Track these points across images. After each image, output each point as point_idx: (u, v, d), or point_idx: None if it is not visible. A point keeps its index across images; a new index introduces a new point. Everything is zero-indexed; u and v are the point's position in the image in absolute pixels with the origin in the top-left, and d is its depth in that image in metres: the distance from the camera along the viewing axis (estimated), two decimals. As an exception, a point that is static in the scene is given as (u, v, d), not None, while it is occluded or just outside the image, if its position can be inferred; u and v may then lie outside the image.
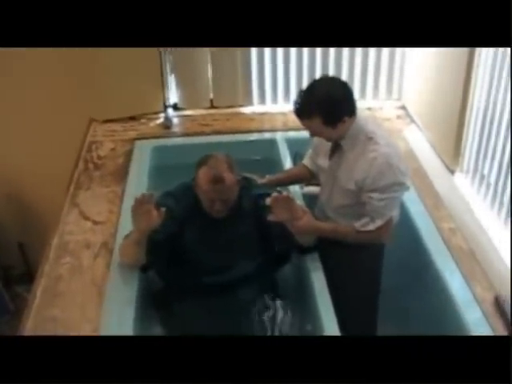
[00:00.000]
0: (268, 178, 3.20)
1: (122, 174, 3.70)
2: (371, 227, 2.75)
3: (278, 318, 2.82)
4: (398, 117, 4.35)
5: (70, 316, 2.63)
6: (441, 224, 3.21)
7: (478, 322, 2.63)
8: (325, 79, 2.80)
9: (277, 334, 2.75)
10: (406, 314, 3.29)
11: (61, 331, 2.54)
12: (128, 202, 3.31)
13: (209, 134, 4.16)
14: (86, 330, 2.54)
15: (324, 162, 2.92)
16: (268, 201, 2.62)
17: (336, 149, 2.83)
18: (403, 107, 4.44)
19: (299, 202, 3.10)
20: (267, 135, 4.15)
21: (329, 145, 2.86)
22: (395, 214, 2.82)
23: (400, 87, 4.47)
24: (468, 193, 3.45)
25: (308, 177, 3.22)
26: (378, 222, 2.74)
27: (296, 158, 3.85)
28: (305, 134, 3.97)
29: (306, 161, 3.18)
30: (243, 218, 2.88)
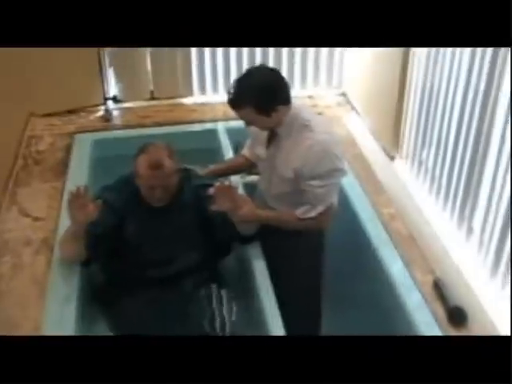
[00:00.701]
0: (209, 168, 3.20)
1: (61, 169, 3.66)
2: (312, 214, 2.77)
3: (222, 309, 2.79)
4: (339, 104, 4.40)
5: (11, 315, 2.59)
6: (380, 209, 3.26)
7: (418, 306, 2.68)
8: (256, 68, 2.81)
9: (220, 325, 2.73)
10: (348, 300, 3.32)
11: (1, 330, 2.50)
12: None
13: (150, 126, 4.14)
14: (26, 329, 2.51)
15: (262, 150, 2.93)
16: (211, 191, 2.63)
17: (273, 137, 2.84)
18: (343, 94, 4.48)
19: (240, 191, 3.12)
20: (208, 125, 4.14)
21: (266, 134, 2.87)
22: (335, 199, 2.85)
23: (340, 75, 4.51)
24: (407, 178, 3.50)
25: (248, 166, 3.24)
26: (319, 209, 2.76)
27: (237, 148, 3.85)
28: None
29: (245, 151, 3.19)
30: (184, 209, 2.87)
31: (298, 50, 4.38)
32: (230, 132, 3.92)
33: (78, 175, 3.55)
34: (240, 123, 3.62)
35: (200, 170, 3.14)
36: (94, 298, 2.90)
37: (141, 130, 4.10)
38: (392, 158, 3.68)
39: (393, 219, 3.19)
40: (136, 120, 4.25)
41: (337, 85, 4.54)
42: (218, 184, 2.65)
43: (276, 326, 2.54)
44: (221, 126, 4.03)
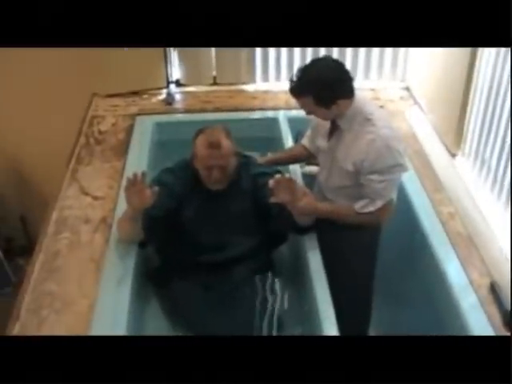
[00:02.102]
0: (267, 157, 3.21)
1: (122, 150, 3.70)
2: (371, 208, 2.75)
3: (274, 298, 2.81)
4: (402, 98, 4.33)
5: (66, 291, 2.65)
6: (439, 207, 3.21)
7: (472, 308, 2.63)
8: (321, 60, 2.79)
9: (270, 313, 2.74)
10: (401, 297, 3.29)
11: (57, 305, 2.56)
12: (128, 178, 3.34)
13: (210, 111, 4.15)
14: (82, 305, 2.55)
15: (323, 142, 2.92)
16: (270, 183, 2.61)
17: (334, 129, 2.82)
18: (407, 88, 4.41)
19: (299, 181, 3.11)
20: (269, 113, 4.12)
21: (328, 125, 2.86)
22: (394, 195, 2.83)
23: (404, 69, 4.44)
24: (468, 177, 3.44)
25: (306, 157, 3.24)
26: (378, 204, 2.75)
27: (298, 136, 3.83)
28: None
29: (304, 141, 3.17)
30: (242, 196, 2.89)
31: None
32: (291, 121, 3.90)
33: (138, 157, 3.59)
34: (301, 113, 3.61)
35: (259, 158, 3.14)
36: (148, 279, 2.93)
37: (202, 114, 4.11)
38: (453, 156, 3.61)
39: (452, 218, 3.14)
40: (197, 104, 4.27)
41: (400, 78, 4.48)
42: (277, 176, 2.63)
43: (329, 318, 2.52)
44: (282, 115, 4.01)
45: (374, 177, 2.69)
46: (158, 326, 2.82)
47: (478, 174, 3.38)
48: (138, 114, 4.11)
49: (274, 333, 2.68)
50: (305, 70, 2.66)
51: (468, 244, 2.99)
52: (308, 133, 3.14)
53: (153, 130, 3.90)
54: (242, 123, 3.99)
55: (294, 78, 2.67)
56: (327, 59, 2.80)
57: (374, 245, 3.05)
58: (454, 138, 3.61)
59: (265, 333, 2.66)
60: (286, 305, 2.83)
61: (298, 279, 2.95)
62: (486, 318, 2.58)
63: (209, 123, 3.81)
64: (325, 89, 2.61)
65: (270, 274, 2.91)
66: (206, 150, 2.73)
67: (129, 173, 3.31)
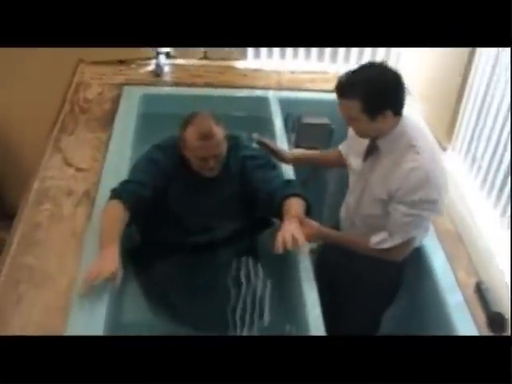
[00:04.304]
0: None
1: (108, 120, 3.60)
2: (387, 245, 2.56)
3: (256, 283, 2.77)
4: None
5: (46, 266, 2.56)
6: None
7: (458, 307, 2.62)
8: (379, 66, 2.44)
9: (251, 298, 2.71)
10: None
11: (36, 280, 2.48)
12: (113, 150, 3.26)
13: (200, 86, 4.06)
14: (61, 282, 2.47)
15: (356, 162, 2.67)
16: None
17: (372, 150, 2.57)
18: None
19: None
20: (259, 92, 4.04)
21: (364, 145, 2.60)
22: (418, 235, 2.63)
23: (397, 56, 4.38)
24: (458, 172, 3.40)
25: (339, 164, 2.95)
26: (397, 240, 2.54)
27: (288, 118, 3.79)
28: (299, 94, 3.94)
29: (342, 147, 2.93)
30: (229, 179, 2.84)
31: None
32: (282, 102, 3.83)
33: (124, 129, 3.50)
34: (293, 94, 3.57)
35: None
36: (128, 258, 2.86)
37: (191, 89, 4.01)
38: (444, 149, 3.58)
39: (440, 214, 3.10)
40: (187, 78, 4.16)
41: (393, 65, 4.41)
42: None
43: (316, 317, 2.44)
44: (272, 95, 3.93)
45: (402, 208, 2.44)
46: (137, 307, 2.78)
47: (468, 170, 3.35)
48: (125, 84, 4.00)
49: (256, 317, 2.65)
50: (359, 71, 2.40)
51: (456, 241, 2.96)
52: (347, 140, 2.88)
53: (140, 102, 3.80)
54: (231, 101, 3.94)
55: (345, 77, 2.39)
56: (384, 65, 2.46)
57: (395, 283, 2.86)
58: (446, 131, 3.57)
59: (246, 317, 2.63)
60: (268, 291, 2.77)
61: (282, 267, 2.88)
62: (471, 317, 2.56)
63: (198, 98, 3.83)
64: (377, 93, 2.33)
65: (252, 259, 2.86)
66: (199, 141, 2.65)
67: (114, 145, 3.27)
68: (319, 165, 3.18)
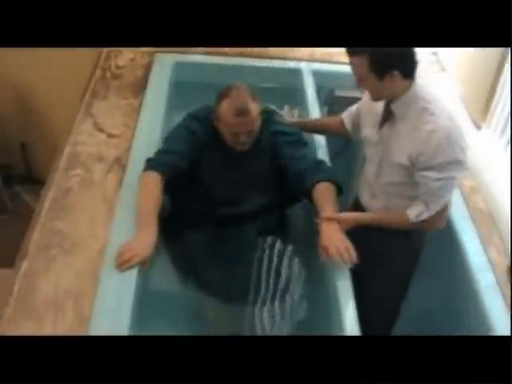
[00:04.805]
0: (297, 119, 3.12)
1: (140, 87, 3.57)
2: (426, 215, 2.51)
3: (281, 261, 2.76)
4: (430, 62, 4.20)
5: (77, 231, 2.56)
6: (462, 180, 3.11)
7: (489, 288, 2.60)
8: None
9: (275, 275, 2.71)
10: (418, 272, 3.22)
11: (67, 246, 2.48)
12: (145, 117, 3.25)
13: (232, 56, 4.00)
14: (92, 248, 2.47)
15: (371, 132, 2.64)
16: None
17: (387, 117, 2.54)
18: (435, 53, 4.28)
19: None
20: (292, 64, 3.97)
21: (378, 113, 2.59)
22: (451, 197, 2.60)
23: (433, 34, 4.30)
24: (493, 152, 3.35)
25: (341, 133, 3.00)
26: (433, 209, 2.50)
27: (320, 91, 3.75)
28: (331, 67, 3.89)
29: (345, 115, 2.94)
30: (260, 154, 2.82)
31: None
32: (315, 74, 3.77)
33: (156, 96, 3.47)
34: (326, 66, 3.51)
35: (288, 116, 3.05)
36: (159, 226, 2.86)
37: (223, 58, 3.96)
38: (479, 128, 3.52)
39: (473, 192, 3.07)
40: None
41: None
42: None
43: (349, 312, 2.38)
44: (305, 67, 3.88)
45: (431, 173, 2.41)
46: (166, 274, 2.79)
47: (502, 149, 3.29)
48: (157, 52, 3.96)
49: (278, 296, 2.65)
50: None
51: (488, 221, 2.93)
52: (351, 110, 2.92)
53: (172, 70, 3.76)
54: (263, 71, 3.89)
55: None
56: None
57: (418, 250, 2.83)
58: (482, 110, 3.50)
59: (268, 295, 2.63)
60: (294, 270, 2.75)
61: (311, 247, 2.85)
62: (502, 299, 2.54)
63: (230, 68, 3.81)
64: (382, 52, 2.32)
65: (280, 235, 2.85)
66: (234, 117, 2.62)
67: (145, 112, 3.25)
68: (318, 132, 3.13)
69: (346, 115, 2.92)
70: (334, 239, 2.45)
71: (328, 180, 2.69)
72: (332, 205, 2.60)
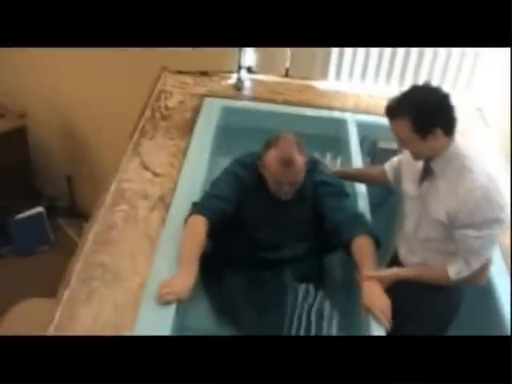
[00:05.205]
0: (340, 169, 3.16)
1: (187, 129, 3.67)
2: (467, 272, 2.50)
3: (310, 310, 2.78)
4: (474, 118, 4.22)
5: (119, 265, 2.63)
6: (500, 237, 3.08)
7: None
8: (426, 86, 2.47)
9: (311, 321, 2.73)
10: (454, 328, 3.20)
11: (108, 278, 2.55)
12: (191, 158, 3.33)
13: (279, 103, 4.09)
14: (133, 282, 2.53)
15: (411, 187, 2.66)
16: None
17: (427, 173, 2.56)
18: (479, 109, 4.31)
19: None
20: (338, 114, 4.05)
21: (418, 169, 2.61)
22: (492, 254, 2.58)
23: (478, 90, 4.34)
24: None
25: (382, 183, 3.00)
26: (474, 265, 2.49)
27: (363, 141, 3.79)
28: (376, 118, 3.94)
29: (387, 166, 2.95)
30: (302, 202, 2.85)
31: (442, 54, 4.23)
32: (359, 124, 3.84)
33: (203, 139, 3.56)
34: (370, 117, 3.55)
35: (331, 166, 3.11)
36: (200, 264, 2.90)
37: (270, 105, 4.05)
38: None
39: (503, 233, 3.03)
40: (266, 94, 4.21)
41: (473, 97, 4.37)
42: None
43: None
44: (350, 117, 3.94)
45: (470, 232, 2.40)
46: (203, 312, 2.82)
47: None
48: (206, 95, 4.07)
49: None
50: (408, 91, 2.43)
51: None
52: (394, 161, 2.92)
53: (220, 114, 3.86)
54: (309, 120, 3.95)
55: (393, 99, 2.43)
56: (431, 85, 2.48)
57: (456, 306, 2.79)
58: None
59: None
60: (324, 320, 2.77)
61: (348, 295, 2.86)
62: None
63: (276, 115, 3.88)
64: (425, 112, 2.35)
65: (317, 282, 2.88)
66: (279, 167, 2.66)
67: (192, 154, 3.32)
68: (360, 181, 3.16)
69: (389, 166, 2.93)
70: (376, 299, 2.47)
71: (366, 233, 2.72)
72: (371, 260, 2.62)
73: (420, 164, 2.58)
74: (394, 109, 2.42)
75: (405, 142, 2.46)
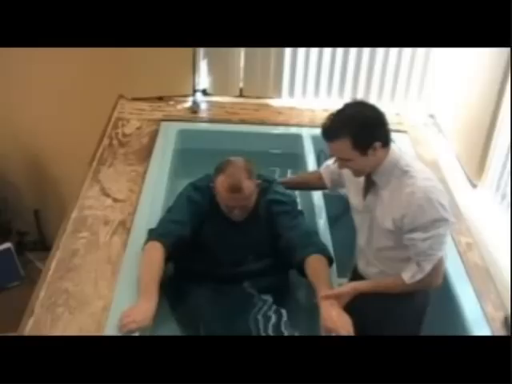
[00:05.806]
0: (284, 178, 3.23)
1: (145, 154, 3.72)
2: (420, 276, 2.49)
3: (274, 319, 2.81)
4: (426, 125, 4.33)
5: (82, 290, 2.66)
6: (458, 237, 3.20)
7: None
8: (357, 102, 2.53)
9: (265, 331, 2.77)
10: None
11: (72, 304, 2.57)
12: (149, 183, 3.37)
13: (235, 123, 4.16)
14: (97, 307, 2.57)
15: (356, 201, 2.69)
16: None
17: (370, 186, 2.59)
18: (432, 116, 4.41)
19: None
20: (293, 130, 4.13)
21: (360, 184, 2.63)
22: (443, 253, 2.54)
23: (430, 96, 4.44)
24: (488, 209, 3.43)
25: (320, 186, 3.12)
26: (427, 267, 2.48)
27: (320, 155, 3.85)
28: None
29: (322, 169, 3.05)
30: (256, 221, 2.91)
31: (391, 62, 4.31)
32: (315, 139, 3.87)
33: (161, 163, 3.62)
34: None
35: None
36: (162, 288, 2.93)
37: (226, 125, 4.12)
38: (474, 186, 3.61)
39: (470, 249, 3.13)
40: (223, 115, 4.28)
41: (425, 105, 4.47)
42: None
43: None
44: (306, 132, 4.01)
45: (417, 235, 2.42)
46: (169, 329, 2.81)
47: (498, 207, 3.37)
48: (163, 120, 4.13)
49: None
50: (340, 112, 2.45)
51: (484, 276, 2.98)
52: (331, 166, 2.93)
53: (177, 137, 3.92)
54: (265, 137, 4.04)
55: (328, 120, 2.44)
56: (361, 102, 2.55)
57: (422, 311, 2.81)
58: (476, 168, 3.60)
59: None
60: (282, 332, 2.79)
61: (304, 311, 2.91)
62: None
63: (233, 135, 3.93)
64: (364, 128, 2.38)
65: (276, 296, 2.91)
66: (227, 193, 2.73)
67: (150, 178, 3.37)
68: (301, 188, 3.24)
69: (325, 171, 3.00)
70: (335, 319, 2.48)
71: (318, 252, 2.76)
72: (325, 280, 2.65)
73: (362, 178, 2.62)
74: (333, 130, 2.42)
75: (346, 162, 2.49)
